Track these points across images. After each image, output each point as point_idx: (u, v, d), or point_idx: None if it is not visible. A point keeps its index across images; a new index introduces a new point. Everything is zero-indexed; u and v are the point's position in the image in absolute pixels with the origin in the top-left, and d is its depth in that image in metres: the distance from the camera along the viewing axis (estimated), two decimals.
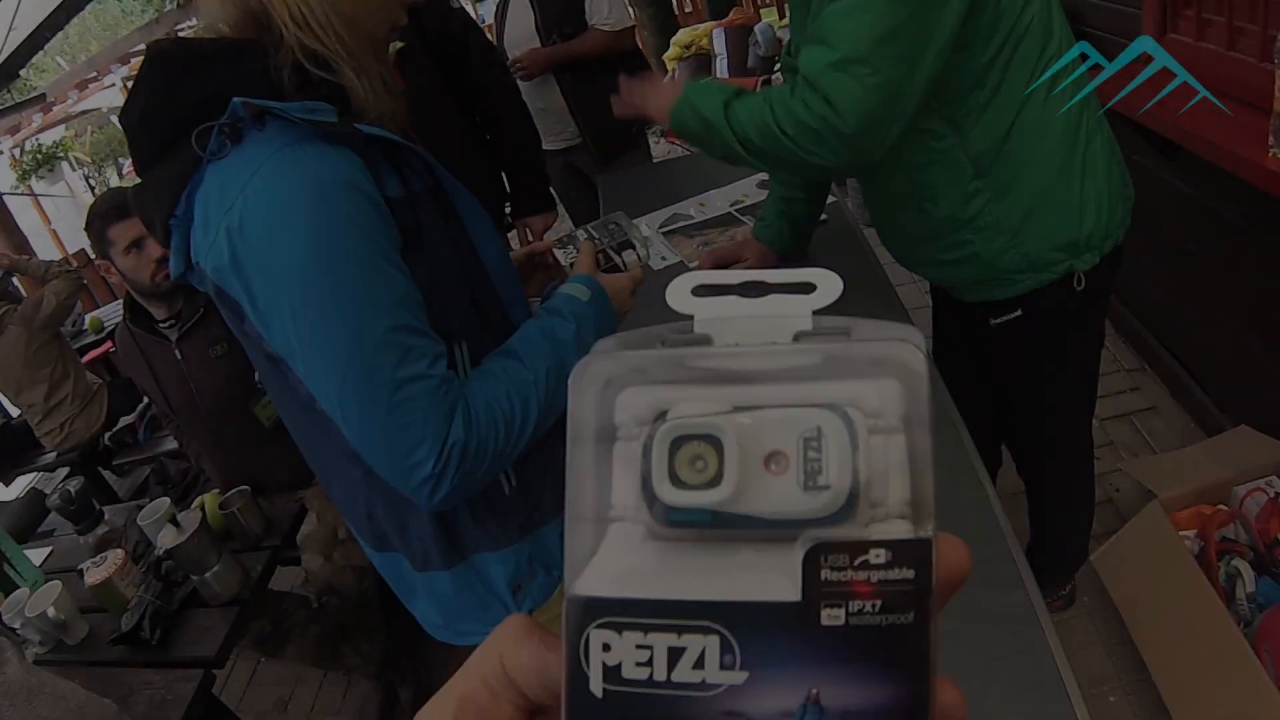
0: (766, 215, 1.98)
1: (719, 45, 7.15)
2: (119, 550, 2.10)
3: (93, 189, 17.68)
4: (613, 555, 0.26)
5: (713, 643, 0.24)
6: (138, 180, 1.06)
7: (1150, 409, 2.87)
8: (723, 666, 0.24)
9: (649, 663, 0.24)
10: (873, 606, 0.23)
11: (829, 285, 0.28)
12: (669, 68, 7.67)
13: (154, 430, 3.86)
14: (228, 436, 2.46)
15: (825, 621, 0.24)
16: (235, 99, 0.93)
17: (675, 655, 0.24)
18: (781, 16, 8.38)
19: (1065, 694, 0.95)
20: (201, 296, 2.19)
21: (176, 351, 2.39)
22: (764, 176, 2.29)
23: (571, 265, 1.33)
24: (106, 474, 4.20)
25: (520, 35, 3.40)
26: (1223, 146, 1.90)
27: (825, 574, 0.24)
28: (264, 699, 2.98)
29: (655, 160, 3.75)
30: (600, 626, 0.25)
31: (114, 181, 17.68)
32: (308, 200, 0.93)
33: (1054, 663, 0.98)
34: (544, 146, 3.33)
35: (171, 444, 3.54)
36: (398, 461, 0.99)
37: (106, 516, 2.37)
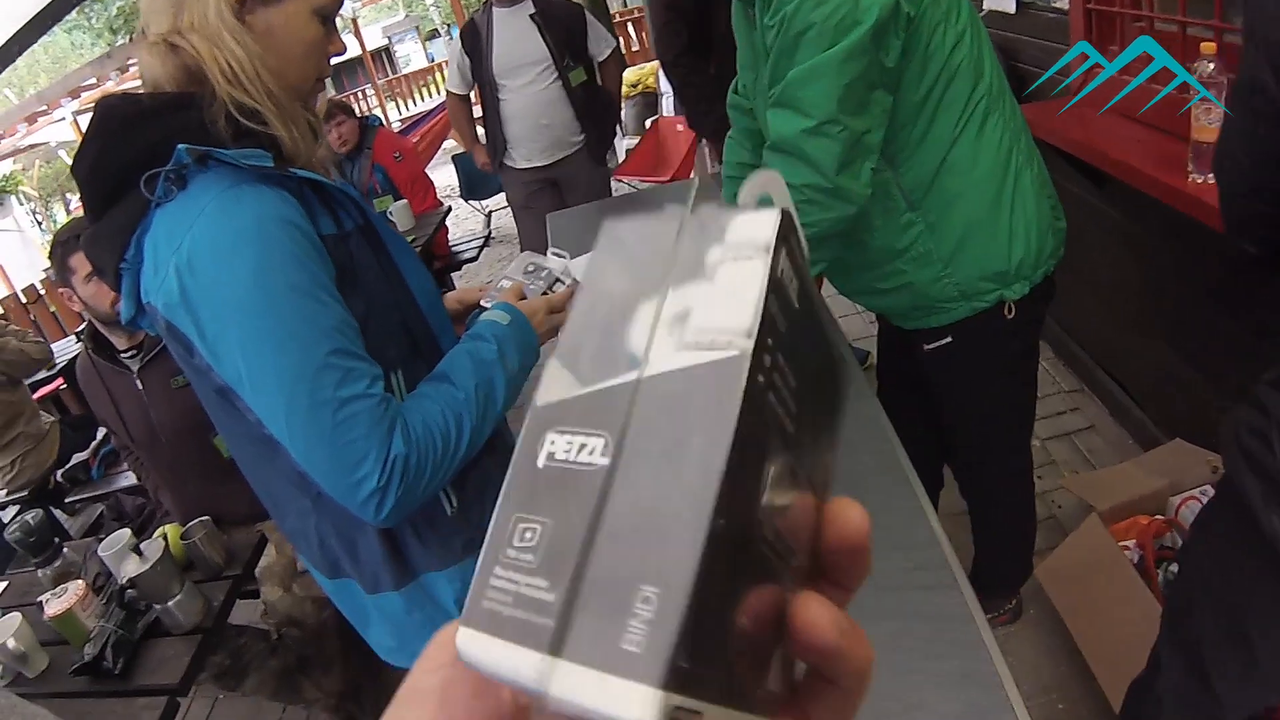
0: None
1: (665, 84, 7.29)
2: (79, 581, 2.09)
3: (39, 224, 17.41)
4: None
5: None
6: (88, 227, 1.12)
7: (1089, 428, 2.98)
8: None
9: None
10: None
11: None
12: None
13: (108, 467, 3.81)
14: (188, 468, 2.46)
15: None
16: (179, 146, 0.99)
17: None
18: None
19: (1000, 687, 1.02)
20: None
21: (138, 382, 2.39)
22: None
23: None
24: (58, 512, 4.13)
25: (527, 59, 3.83)
26: (1146, 173, 2.01)
27: None
28: None
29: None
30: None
31: (61, 217, 17.43)
32: (251, 236, 1.00)
33: (988, 657, 1.05)
34: (534, 163, 4.01)
35: (126, 480, 3.50)
36: (344, 478, 1.04)
37: (65, 551, 2.35)
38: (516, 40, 3.81)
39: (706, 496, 0.21)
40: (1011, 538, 2.21)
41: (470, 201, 7.05)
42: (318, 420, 1.02)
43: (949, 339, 1.70)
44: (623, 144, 7.35)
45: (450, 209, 5.38)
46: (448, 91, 4.27)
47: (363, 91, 16.13)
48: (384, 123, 4.67)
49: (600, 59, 4.01)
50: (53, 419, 4.09)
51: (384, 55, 23.40)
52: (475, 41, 3.90)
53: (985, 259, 1.58)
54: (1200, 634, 1.37)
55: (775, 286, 0.23)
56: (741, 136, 1.89)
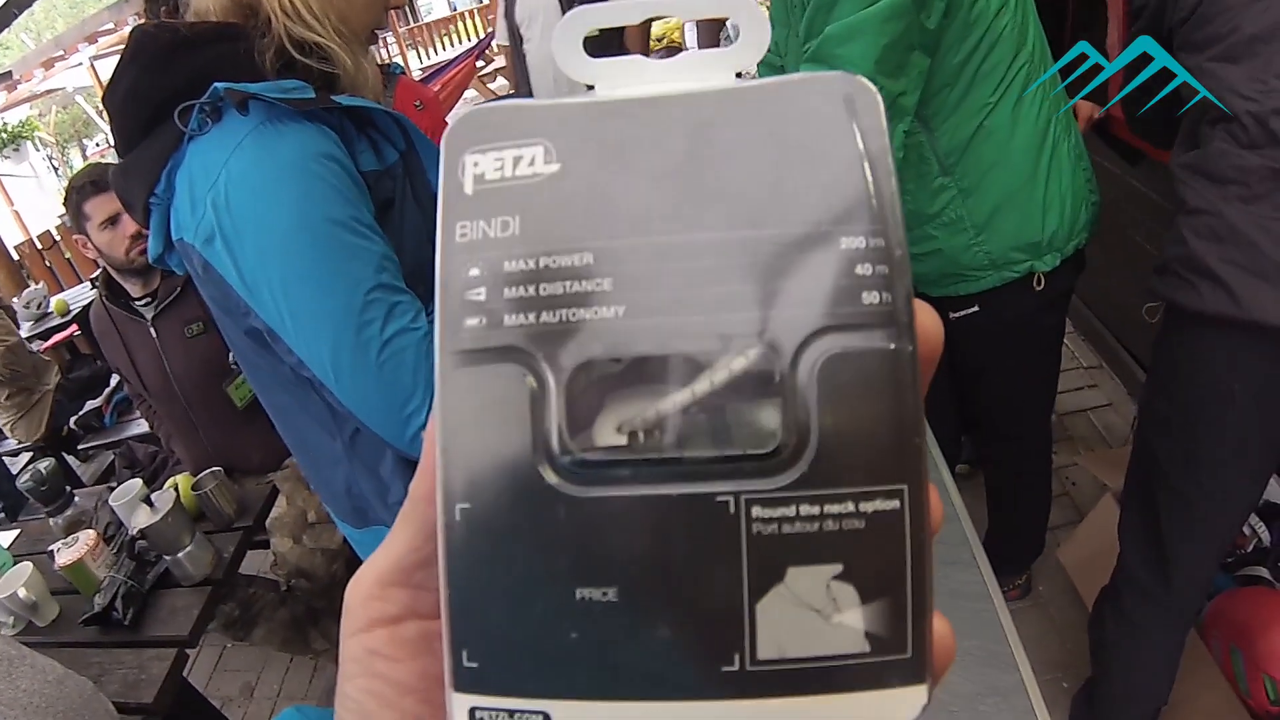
0: None
1: (690, 39, 7.20)
2: (90, 531, 2.09)
3: (55, 170, 17.38)
4: None
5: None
6: (117, 161, 1.08)
7: (1107, 405, 2.95)
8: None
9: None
10: None
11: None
12: None
13: (121, 414, 3.82)
14: (201, 417, 2.46)
15: None
16: (217, 85, 0.95)
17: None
18: None
19: (1016, 668, 1.00)
20: (179, 276, 2.21)
21: (152, 330, 2.38)
22: None
23: None
24: (70, 459, 4.15)
25: (540, 3, 3.90)
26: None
27: None
28: (230, 684, 2.98)
29: None
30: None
31: (78, 163, 17.38)
32: (290, 170, 0.96)
33: (1004, 637, 1.03)
34: None
35: (139, 428, 3.51)
36: (393, 415, 1.02)
37: (77, 499, 2.36)
38: None
39: None
40: (1027, 513, 2.20)
41: None
42: (364, 357, 0.99)
43: (975, 308, 1.67)
44: None
45: None
46: (499, 45, 4.40)
47: (384, 39, 16.00)
48: (405, 71, 4.64)
49: None
50: (48, 388, 4.00)
51: (406, 3, 23.19)
52: None
53: (1019, 229, 1.55)
54: (1151, 457, 1.53)
55: None
56: None
